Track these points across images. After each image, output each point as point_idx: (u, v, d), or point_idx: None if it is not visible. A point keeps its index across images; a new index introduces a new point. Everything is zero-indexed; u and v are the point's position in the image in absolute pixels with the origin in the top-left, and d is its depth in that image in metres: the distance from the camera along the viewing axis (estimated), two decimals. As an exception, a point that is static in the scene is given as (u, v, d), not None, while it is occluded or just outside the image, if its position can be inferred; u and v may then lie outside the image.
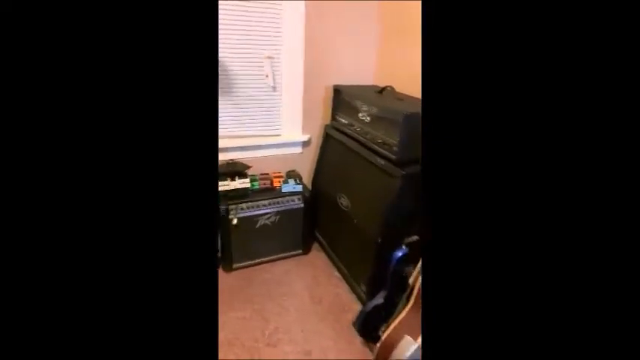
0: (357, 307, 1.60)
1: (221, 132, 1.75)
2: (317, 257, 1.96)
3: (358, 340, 1.42)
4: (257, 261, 1.83)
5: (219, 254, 1.78)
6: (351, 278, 1.70)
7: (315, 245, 2.03)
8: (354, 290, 1.68)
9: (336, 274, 1.82)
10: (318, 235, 2.01)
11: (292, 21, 1.68)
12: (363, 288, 1.58)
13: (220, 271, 1.78)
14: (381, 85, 1.71)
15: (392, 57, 1.86)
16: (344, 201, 1.68)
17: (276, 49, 1.72)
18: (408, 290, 1.20)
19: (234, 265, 1.77)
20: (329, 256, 1.91)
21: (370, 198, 1.51)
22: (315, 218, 1.96)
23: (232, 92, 1.71)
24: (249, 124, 1.82)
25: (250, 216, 1.70)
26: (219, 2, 1.51)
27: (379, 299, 1.29)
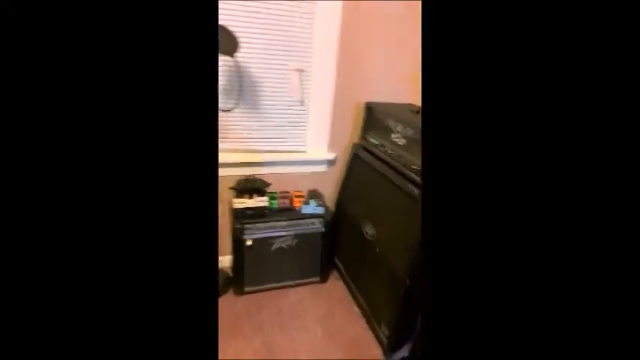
0: (376, 350, 1.43)
1: (241, 145, 1.65)
2: (335, 286, 1.79)
3: (375, 393, 1.24)
4: (270, 286, 1.69)
5: (231, 275, 1.66)
6: (371, 316, 1.52)
7: (334, 273, 1.87)
8: (373, 330, 1.50)
9: (356, 309, 1.64)
10: (337, 262, 1.85)
11: (325, 30, 1.56)
12: (385, 331, 1.40)
13: (230, 294, 1.66)
14: (419, 104, 1.55)
15: (432, 74, 1.69)
16: (369, 229, 1.52)
17: (306, 60, 1.60)
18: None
19: (246, 289, 1.64)
20: (348, 287, 1.74)
21: (399, 230, 1.34)
22: (336, 244, 1.80)
23: (256, 104, 1.61)
24: (272, 139, 1.70)
25: (266, 237, 1.57)
26: (248, 4, 1.42)
27: (404, 352, 1.11)
